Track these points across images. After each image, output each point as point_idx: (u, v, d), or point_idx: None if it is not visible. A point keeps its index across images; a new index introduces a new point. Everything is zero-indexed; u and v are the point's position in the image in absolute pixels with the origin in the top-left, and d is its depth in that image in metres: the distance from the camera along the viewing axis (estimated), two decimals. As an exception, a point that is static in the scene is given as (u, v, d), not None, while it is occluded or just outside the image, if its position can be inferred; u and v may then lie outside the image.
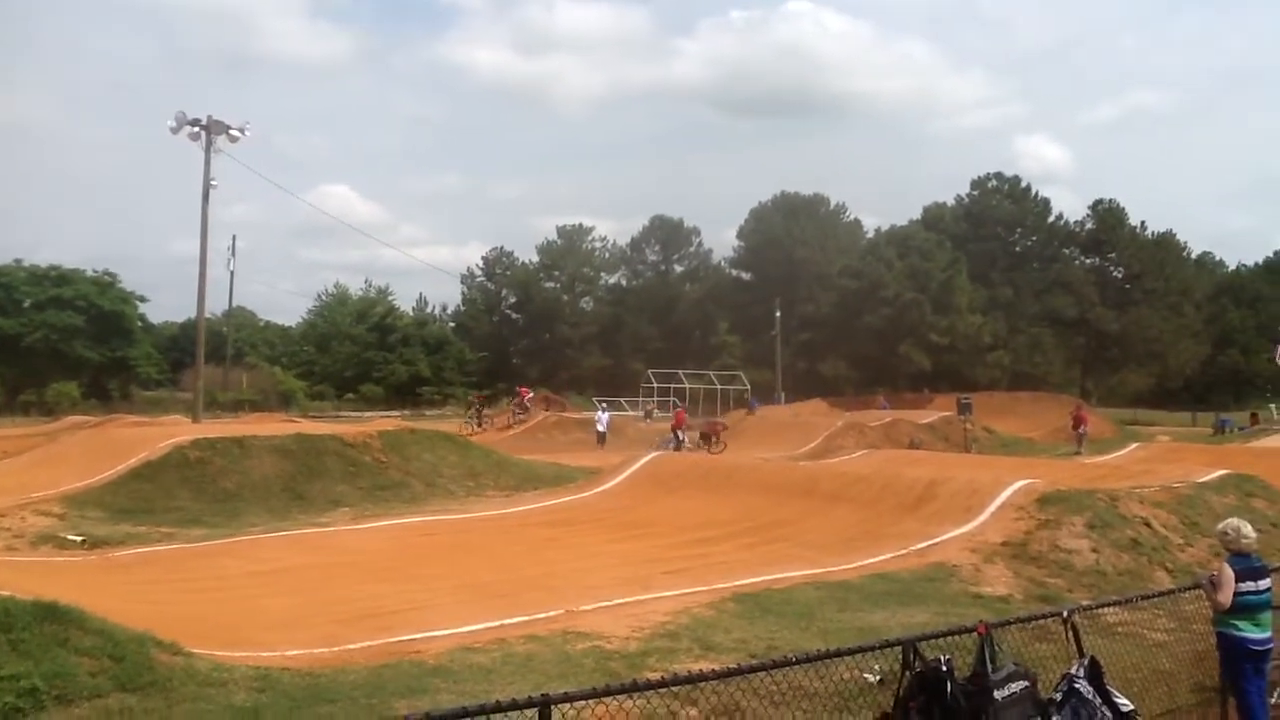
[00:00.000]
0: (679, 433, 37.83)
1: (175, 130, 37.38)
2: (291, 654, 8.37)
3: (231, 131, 37.97)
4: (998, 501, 14.72)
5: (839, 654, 5.67)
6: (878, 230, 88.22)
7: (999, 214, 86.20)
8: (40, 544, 14.90)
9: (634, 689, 4.71)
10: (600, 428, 41.00)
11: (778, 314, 72.47)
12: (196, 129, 37.58)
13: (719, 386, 69.95)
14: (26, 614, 7.27)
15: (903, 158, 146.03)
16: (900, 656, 5.67)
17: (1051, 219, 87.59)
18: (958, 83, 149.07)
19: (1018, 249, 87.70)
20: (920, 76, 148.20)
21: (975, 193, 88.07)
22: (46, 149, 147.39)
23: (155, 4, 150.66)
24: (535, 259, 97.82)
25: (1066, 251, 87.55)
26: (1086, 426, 38.50)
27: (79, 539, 15.15)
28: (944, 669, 5.57)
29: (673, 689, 5.77)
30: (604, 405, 51.15)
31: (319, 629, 9.41)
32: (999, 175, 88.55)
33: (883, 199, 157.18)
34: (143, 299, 73.66)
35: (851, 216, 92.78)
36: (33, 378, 64.75)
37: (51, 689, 6.60)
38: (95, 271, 70.81)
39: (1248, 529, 7.60)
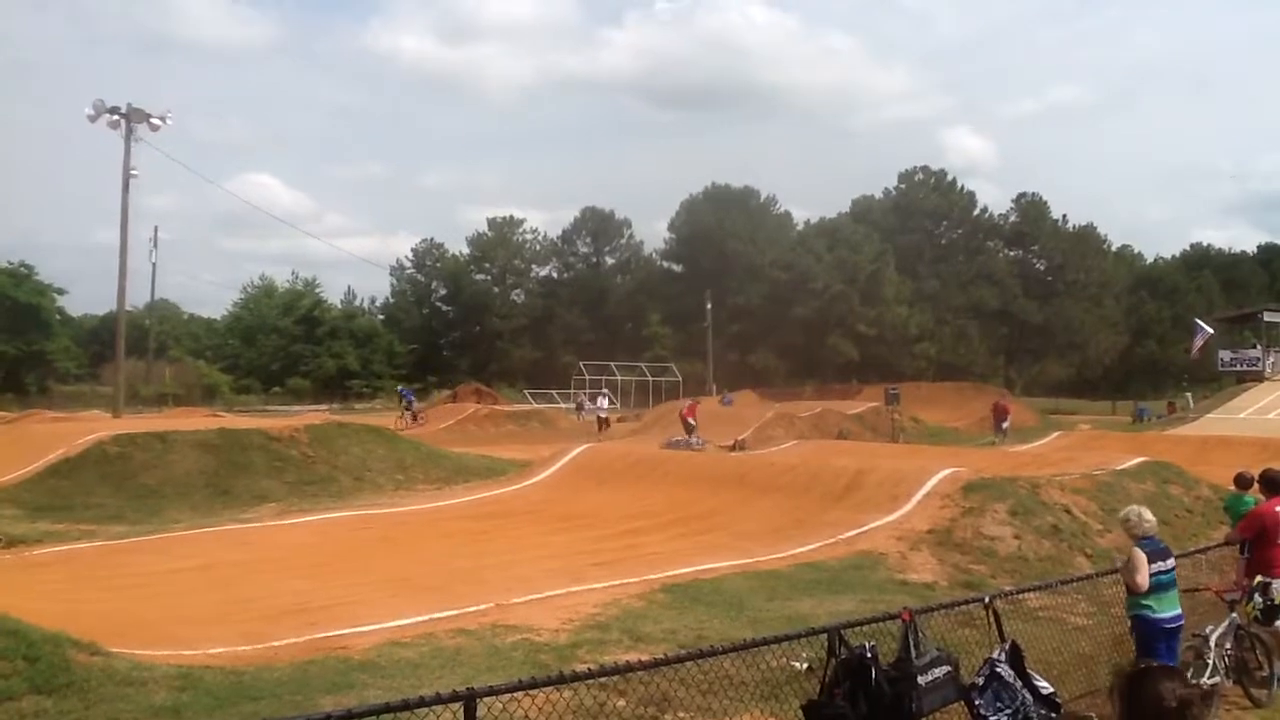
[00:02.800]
0: (692, 428, 33.04)
1: (94, 118, 36.57)
2: (214, 652, 8.23)
3: (152, 120, 37.27)
4: (924, 490, 14.94)
5: (766, 642, 5.72)
6: (807, 222, 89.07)
7: (926, 206, 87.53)
8: (-47, 543, 14.46)
9: (560, 681, 4.70)
10: (601, 414, 40.58)
11: (709, 306, 72.79)
12: (116, 117, 36.79)
13: (651, 378, 70.17)
14: (-65, 615, 7.07)
15: (830, 150, 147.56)
16: (826, 644, 5.72)
17: (976, 212, 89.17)
18: (883, 75, 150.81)
19: (944, 241, 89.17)
20: (846, 69, 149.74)
21: (902, 186, 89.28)
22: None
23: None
24: (466, 251, 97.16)
25: (991, 244, 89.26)
26: (1009, 418, 38.97)
27: (-7, 537, 14.74)
28: (868, 655, 5.64)
29: (602, 680, 5.80)
30: (605, 393, 50.53)
31: (243, 626, 9.26)
32: (925, 168, 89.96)
33: (811, 191, 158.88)
34: (61, 291, 71.84)
35: (782, 209, 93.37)
36: (-56, 373, 62.88)
37: (-39, 692, 6.42)
38: (10, 263, 68.85)
39: (1148, 514, 7.83)
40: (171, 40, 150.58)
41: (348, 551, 14.08)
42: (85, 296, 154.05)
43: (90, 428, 22.62)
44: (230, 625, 9.30)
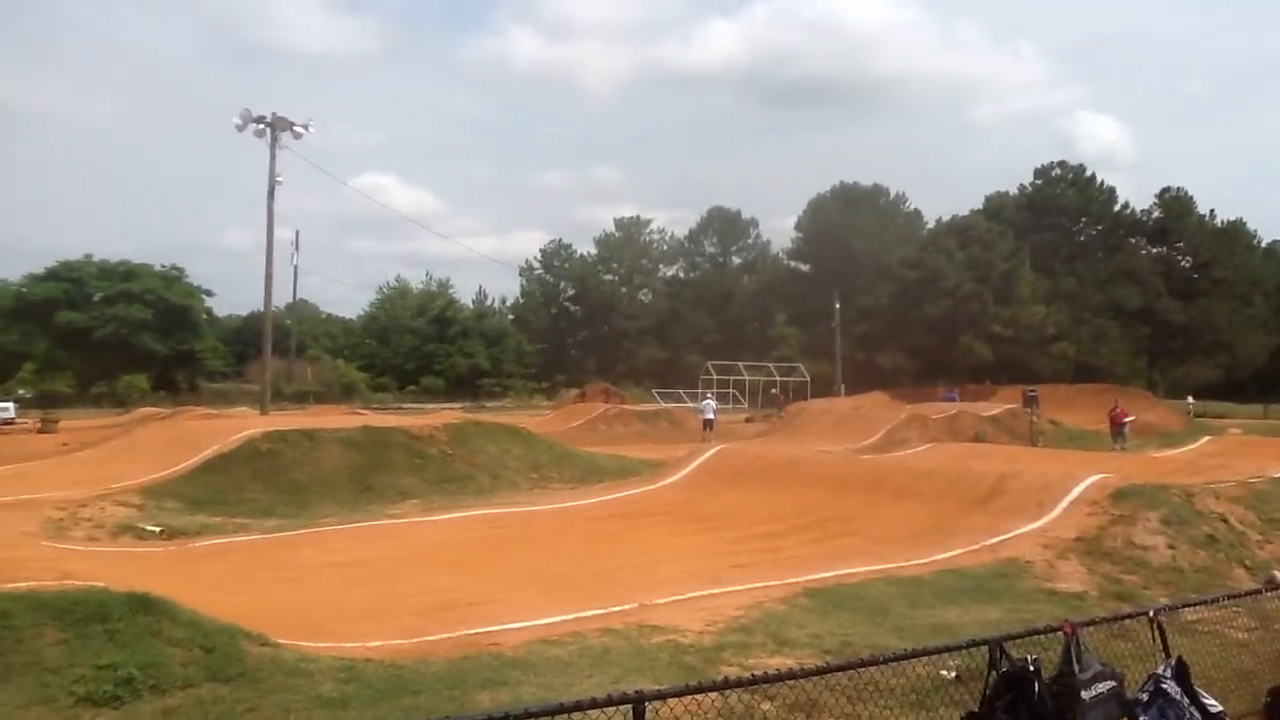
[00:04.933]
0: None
1: (240, 128, 37.99)
2: (373, 645, 8.50)
3: (295, 128, 38.53)
4: (1070, 496, 14.53)
5: (926, 653, 5.66)
6: (938, 220, 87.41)
7: (1062, 203, 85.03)
8: (120, 534, 15.22)
9: (724, 686, 4.76)
10: (709, 415, 40.88)
11: (836, 305, 72.10)
12: (261, 126, 38.19)
13: (778, 378, 69.79)
14: (121, 605, 7.47)
15: (955, 144, 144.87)
16: (986, 655, 5.64)
17: (1117, 208, 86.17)
18: (1009, 64, 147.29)
19: (1081, 238, 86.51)
20: (969, 58, 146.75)
21: (1038, 181, 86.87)
22: (106, 145, 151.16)
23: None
24: (593, 251, 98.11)
25: (1132, 241, 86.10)
26: (1129, 420, 37.00)
27: (157, 530, 15.49)
28: (1031, 669, 5.54)
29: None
30: (710, 394, 50.76)
31: (398, 620, 9.56)
32: (1062, 164, 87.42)
33: (939, 188, 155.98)
34: (209, 293, 75.06)
35: (911, 206, 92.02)
36: (103, 370, 66.12)
37: (147, 678, 6.77)
38: (163, 266, 72.20)
39: None
40: (288, 50, 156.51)
41: (490, 549, 14.39)
42: (227, 297, 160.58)
43: (241, 425, 23.54)
44: (386, 620, 9.60)
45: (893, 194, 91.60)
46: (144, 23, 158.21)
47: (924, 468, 18.70)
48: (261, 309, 43.35)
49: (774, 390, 54.32)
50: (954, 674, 7.37)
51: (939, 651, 5.75)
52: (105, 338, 66.97)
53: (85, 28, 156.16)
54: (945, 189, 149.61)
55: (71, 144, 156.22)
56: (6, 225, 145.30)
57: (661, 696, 4.35)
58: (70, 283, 69.05)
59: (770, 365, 72.88)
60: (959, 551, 13.27)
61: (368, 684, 7.40)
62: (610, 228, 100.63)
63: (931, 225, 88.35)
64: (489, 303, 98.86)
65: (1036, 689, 5.51)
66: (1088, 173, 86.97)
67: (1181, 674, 6.31)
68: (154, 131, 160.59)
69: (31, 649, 6.83)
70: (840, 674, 5.57)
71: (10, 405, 46.76)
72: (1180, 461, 23.42)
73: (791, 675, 5.13)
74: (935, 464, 19.28)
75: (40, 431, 41.51)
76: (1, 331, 69.88)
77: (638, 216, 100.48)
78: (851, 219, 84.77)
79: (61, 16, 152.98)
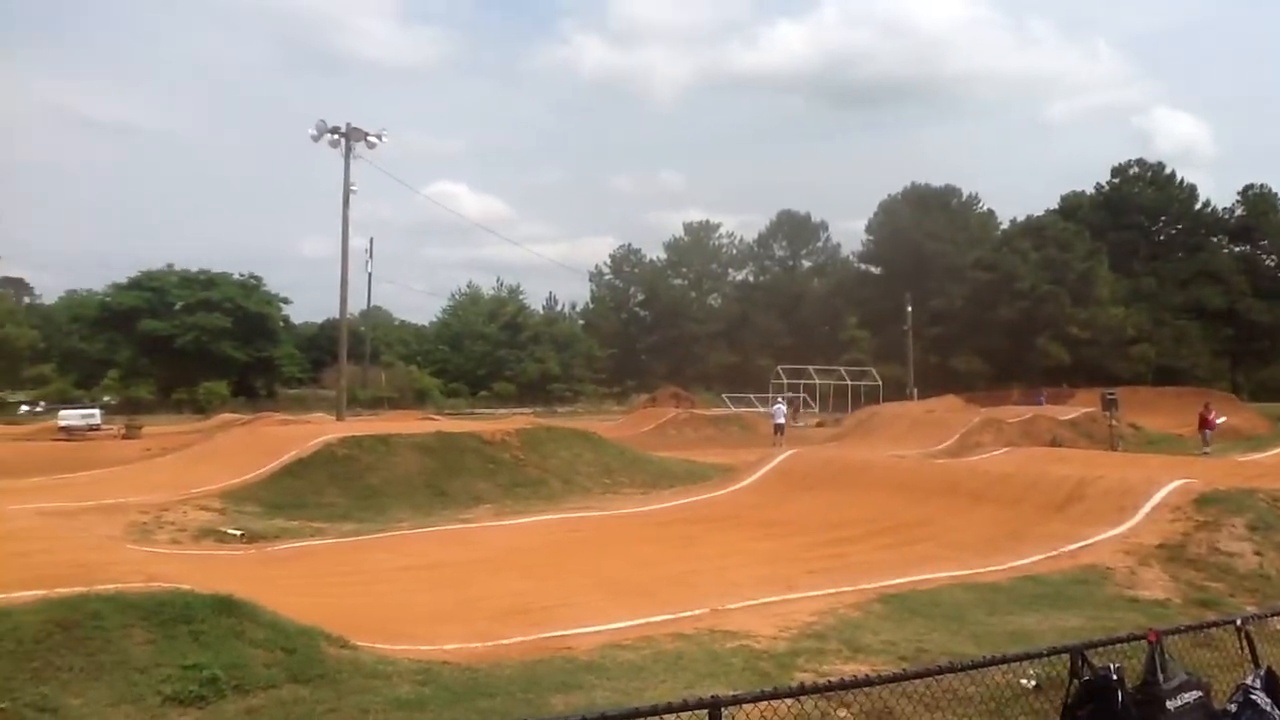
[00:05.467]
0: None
1: (316, 138, 38.68)
2: (449, 648, 8.59)
3: (369, 138, 39.14)
4: (1152, 502, 14.21)
5: (1005, 660, 5.58)
6: (1012, 221, 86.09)
7: (1141, 201, 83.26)
8: (202, 537, 15.60)
9: (800, 692, 4.74)
10: (780, 419, 40.76)
11: (908, 308, 71.36)
12: (336, 136, 38.85)
13: (849, 382, 69.25)
14: (205, 607, 7.64)
15: (1028, 143, 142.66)
16: (1067, 663, 5.55)
17: (1197, 206, 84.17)
18: (1083, 60, 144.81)
19: (1161, 238, 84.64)
20: (1043, 54, 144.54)
21: (1115, 180, 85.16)
22: (188, 156, 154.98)
23: (273, 10, 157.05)
24: (663, 256, 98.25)
25: (1214, 240, 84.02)
26: (1220, 421, 35.94)
27: (238, 533, 15.84)
28: (1114, 677, 5.43)
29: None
30: (781, 398, 50.49)
31: (472, 624, 9.65)
32: (1140, 161, 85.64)
33: (1012, 188, 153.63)
34: (286, 300, 76.61)
35: (984, 207, 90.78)
36: (184, 377, 67.73)
37: (230, 679, 6.92)
38: (241, 275, 73.77)
39: None
40: (361, 60, 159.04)
41: (562, 553, 14.47)
42: (305, 305, 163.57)
43: (318, 431, 23.95)
44: (460, 623, 9.70)
45: (965, 195, 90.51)
46: (222, 37, 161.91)
47: (1000, 472, 18.40)
48: (337, 316, 44.04)
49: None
50: (1034, 682, 7.27)
51: (1018, 659, 5.65)
52: (186, 345, 68.60)
53: (166, 43, 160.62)
54: (1019, 189, 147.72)
55: (153, 156, 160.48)
56: (92, 236, 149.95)
57: (737, 702, 4.34)
58: (152, 292, 70.90)
59: (841, 369, 72.32)
60: (1037, 558, 13.04)
61: (444, 686, 7.48)
62: (679, 232, 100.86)
63: (1005, 226, 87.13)
64: (559, 308, 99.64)
65: (1120, 698, 5.40)
66: (1166, 170, 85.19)
67: (1272, 685, 6.13)
68: (232, 143, 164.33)
69: (120, 649, 7.01)
70: (917, 681, 5.51)
71: (96, 412, 48.07)
72: (1266, 466, 22.78)
73: (868, 682, 5.08)
74: (1011, 468, 18.96)
75: (124, 437, 42.68)
76: (87, 340, 71.98)
77: (707, 221, 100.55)
78: (923, 220, 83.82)
79: (143, 32, 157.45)
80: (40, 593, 7.51)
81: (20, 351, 75.17)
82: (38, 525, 12.38)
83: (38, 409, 58.98)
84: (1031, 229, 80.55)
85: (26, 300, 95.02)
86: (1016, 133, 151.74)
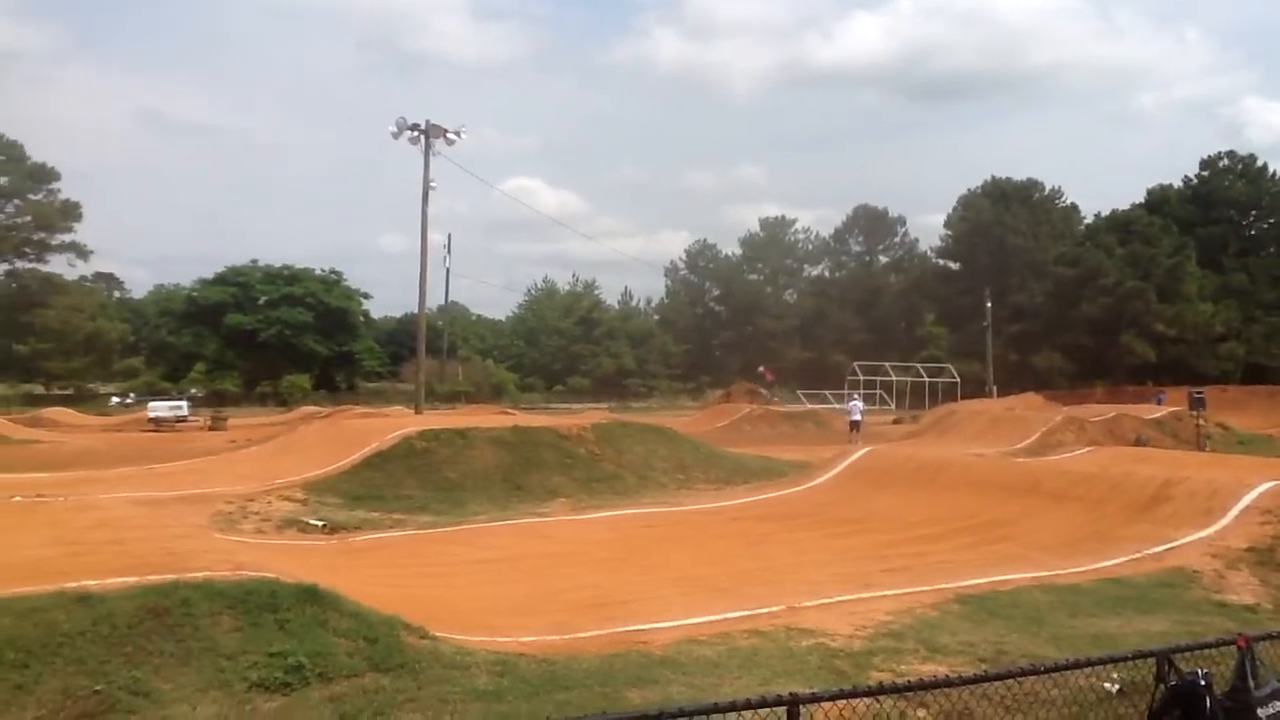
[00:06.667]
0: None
1: (396, 135, 39.26)
2: (526, 640, 8.67)
3: (448, 135, 39.62)
4: (1242, 504, 13.83)
5: (1089, 663, 5.50)
6: (1096, 215, 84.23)
7: (1231, 195, 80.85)
8: (285, 527, 15.93)
9: (878, 691, 4.73)
10: (856, 416, 40.46)
11: (988, 304, 70.29)
12: (416, 133, 39.38)
13: (926, 379, 68.47)
14: (291, 596, 7.81)
15: (1114, 135, 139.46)
16: (1153, 668, 5.44)
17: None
18: (1173, 49, 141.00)
19: (1252, 232, 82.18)
20: (1130, 44, 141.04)
21: (1204, 173, 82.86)
22: (269, 155, 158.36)
23: (349, 10, 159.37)
24: (738, 251, 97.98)
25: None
26: None
27: (320, 524, 16.14)
28: (1202, 683, 5.32)
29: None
30: (857, 395, 49.97)
31: (549, 616, 9.73)
32: (1231, 154, 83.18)
33: (1097, 182, 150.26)
34: (366, 296, 77.91)
35: (1067, 201, 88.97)
36: (268, 370, 69.23)
37: (315, 667, 7.05)
38: (323, 270, 75.19)
39: None
40: (438, 59, 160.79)
41: (637, 548, 14.52)
42: (384, 300, 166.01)
43: (398, 424, 24.28)
44: (537, 615, 9.79)
45: (1047, 189, 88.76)
46: (304, 38, 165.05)
47: (1083, 472, 18.05)
48: (415, 311, 44.65)
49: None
50: (1117, 687, 7.14)
51: (1102, 663, 5.58)
52: (270, 339, 70.11)
53: (250, 44, 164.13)
54: (1103, 183, 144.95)
55: (236, 155, 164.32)
56: (179, 233, 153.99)
57: (816, 700, 4.34)
58: (237, 287, 72.57)
59: (918, 365, 71.51)
60: (1120, 560, 12.78)
61: (521, 678, 7.56)
62: (755, 227, 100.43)
63: (1089, 220, 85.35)
64: (634, 303, 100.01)
65: (1208, 705, 5.30)
66: (1259, 163, 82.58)
67: (1367, 694, 5.95)
68: (314, 141, 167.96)
69: (208, 636, 7.19)
70: (996, 683, 5.45)
71: (184, 404, 49.36)
72: (1363, 468, 22.00)
73: (947, 683, 5.04)
74: (1095, 468, 18.58)
75: (210, 429, 43.81)
76: (175, 333, 73.96)
77: (782, 216, 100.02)
78: (1004, 215, 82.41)
79: (226, 33, 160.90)
80: (133, 579, 7.73)
81: (111, 345, 77.55)
82: (130, 514, 12.71)
83: (128, 401, 60.78)
84: (1116, 223, 78.77)
85: (117, 295, 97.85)
86: (1100, 125, 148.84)
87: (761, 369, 51.87)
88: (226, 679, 6.83)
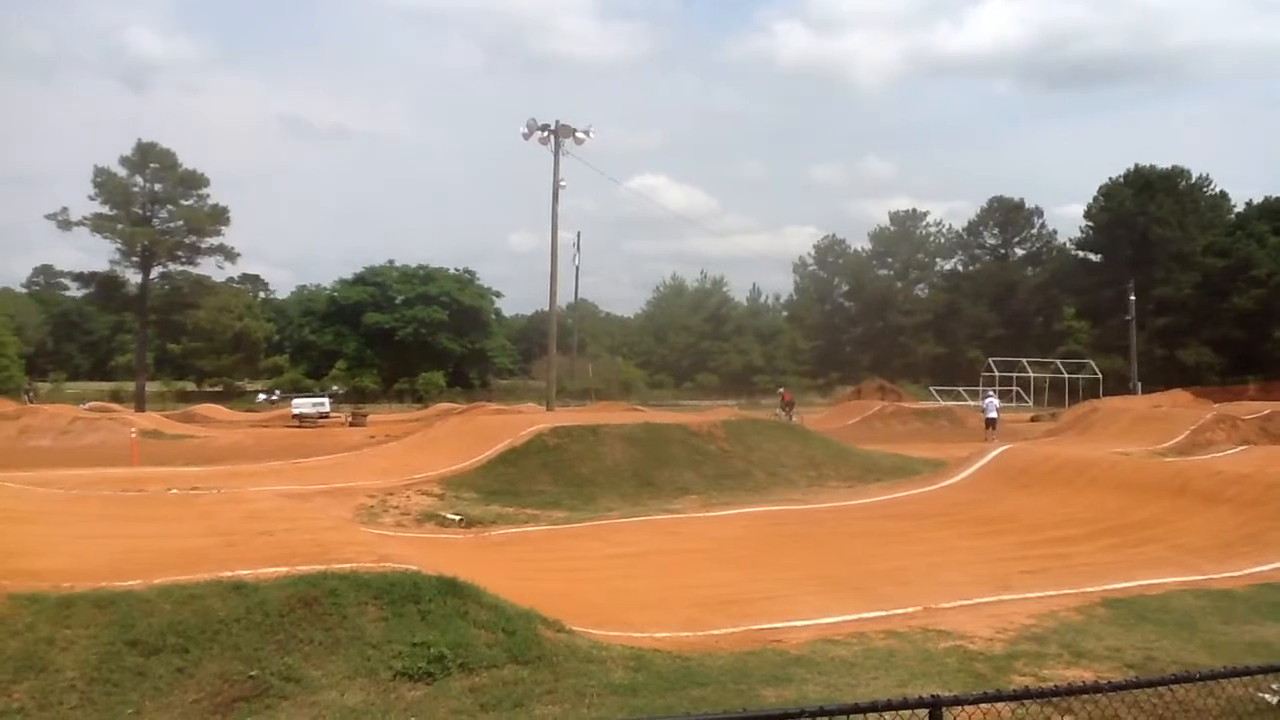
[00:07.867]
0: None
1: (527, 136, 39.91)
2: (660, 636, 8.74)
3: (577, 134, 40.08)
4: None
5: (1246, 672, 5.27)
6: (1247, 204, 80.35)
7: (1401, 179, 76.29)
8: (424, 521, 16.34)
9: (1023, 696, 4.62)
10: (992, 414, 39.61)
11: (1131, 297, 67.75)
12: (546, 133, 39.95)
13: (1066, 375, 66.46)
14: (432, 588, 8.03)
15: (1266, 119, 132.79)
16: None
17: None
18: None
19: None
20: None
21: (1369, 157, 78.38)
22: (403, 157, 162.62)
23: (476, 13, 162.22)
24: (867, 246, 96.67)
25: None
26: None
27: (457, 518, 16.52)
28: (1371, 695, 5.07)
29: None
30: (992, 391, 48.66)
31: (682, 612, 9.78)
32: (1400, 135, 78.35)
33: (1250, 168, 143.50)
34: (498, 294, 79.40)
35: (1216, 189, 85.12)
36: (405, 368, 71.11)
37: (456, 657, 7.24)
38: (456, 269, 76.90)
39: None
40: (565, 58, 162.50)
41: (769, 546, 14.46)
42: (514, 298, 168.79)
43: (530, 421, 24.64)
44: (671, 611, 9.85)
45: (1194, 176, 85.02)
46: (434, 42, 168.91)
47: (1236, 472, 17.27)
48: (545, 309, 45.30)
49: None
50: (1277, 698, 6.85)
51: (1261, 672, 5.36)
52: (406, 337, 72.01)
53: (381, 49, 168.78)
54: (1254, 169, 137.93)
55: (371, 157, 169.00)
56: (319, 235, 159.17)
57: (959, 703, 4.27)
58: (375, 286, 74.72)
59: (1057, 361, 69.41)
60: (1278, 564, 12.22)
61: (656, 673, 7.63)
62: (884, 221, 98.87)
63: (1239, 209, 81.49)
64: (763, 300, 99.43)
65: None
66: None
67: None
68: (445, 142, 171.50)
69: (355, 625, 7.44)
70: (1146, 690, 5.29)
71: (326, 400, 51.00)
72: None
73: (1095, 689, 4.90)
74: (1249, 468, 17.75)
75: (351, 425, 45.18)
76: (316, 332, 76.57)
77: (913, 209, 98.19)
78: (1147, 204, 79.31)
79: (358, 37, 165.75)
80: (284, 569, 8.05)
81: (258, 344, 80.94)
82: (278, 506, 13.21)
83: (274, 398, 63.12)
84: (1270, 211, 75.03)
85: (262, 296, 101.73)
86: (1250, 108, 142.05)
87: (781, 390, 51.61)
88: (373, 667, 7.06)
